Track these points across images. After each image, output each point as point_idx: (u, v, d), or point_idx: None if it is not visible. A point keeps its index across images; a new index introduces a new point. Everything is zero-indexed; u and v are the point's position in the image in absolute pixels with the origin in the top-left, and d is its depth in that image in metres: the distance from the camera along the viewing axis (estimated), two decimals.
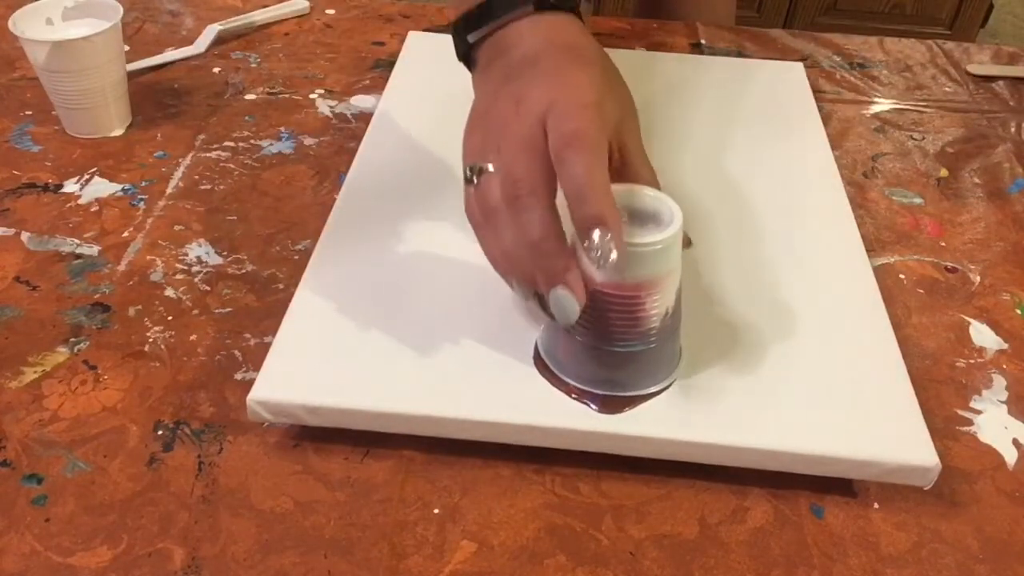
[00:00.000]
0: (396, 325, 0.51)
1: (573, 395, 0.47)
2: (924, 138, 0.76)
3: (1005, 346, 0.57)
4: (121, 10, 0.68)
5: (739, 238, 0.59)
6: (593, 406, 0.47)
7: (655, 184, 0.50)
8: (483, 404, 0.47)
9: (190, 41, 0.83)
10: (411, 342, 0.50)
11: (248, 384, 0.48)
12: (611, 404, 0.47)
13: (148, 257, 0.60)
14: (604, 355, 0.46)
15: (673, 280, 0.46)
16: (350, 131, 0.72)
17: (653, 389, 0.48)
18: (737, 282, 0.55)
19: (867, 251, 0.58)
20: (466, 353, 0.49)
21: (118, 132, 0.71)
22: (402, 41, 0.80)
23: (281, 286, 0.57)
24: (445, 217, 0.59)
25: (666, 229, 0.44)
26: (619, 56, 0.80)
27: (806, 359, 0.50)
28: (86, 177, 0.67)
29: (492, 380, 0.48)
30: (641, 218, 0.45)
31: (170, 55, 0.81)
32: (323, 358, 0.49)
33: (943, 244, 0.65)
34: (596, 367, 0.47)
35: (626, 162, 0.50)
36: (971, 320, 0.59)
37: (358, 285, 0.53)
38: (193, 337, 0.54)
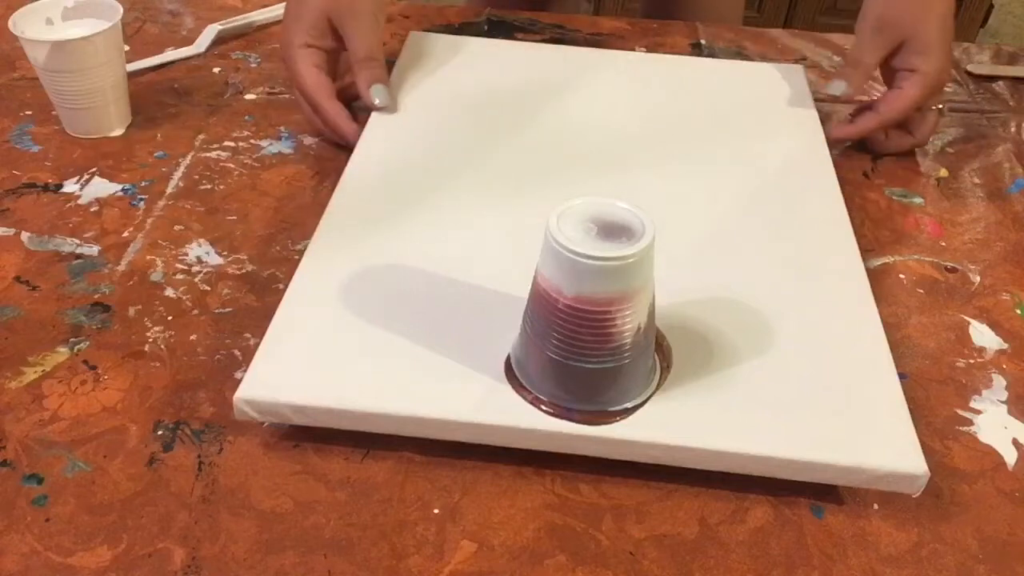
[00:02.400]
0: (385, 326, 0.51)
1: (543, 407, 0.46)
2: None
3: (1005, 346, 0.57)
4: (121, 10, 0.68)
5: (733, 241, 0.59)
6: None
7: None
8: (471, 406, 0.46)
9: (190, 41, 0.83)
10: (400, 343, 0.50)
11: None
12: (582, 419, 0.46)
13: (148, 257, 0.60)
14: (575, 371, 0.45)
15: (646, 295, 0.44)
16: None
17: (627, 405, 0.47)
18: (729, 285, 0.55)
19: (867, 251, 0.58)
20: (456, 355, 0.49)
21: (118, 132, 0.71)
22: (402, 41, 0.80)
23: (281, 286, 0.57)
24: (439, 219, 0.59)
25: (638, 243, 0.43)
26: (619, 57, 0.81)
27: (796, 363, 0.50)
28: (86, 177, 0.67)
29: (480, 382, 0.48)
30: (614, 231, 0.44)
31: (170, 55, 0.81)
32: (312, 358, 0.49)
33: (943, 244, 0.65)
34: (567, 383, 0.46)
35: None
36: (971, 320, 0.58)
37: (349, 285, 0.53)
38: (193, 337, 0.54)
